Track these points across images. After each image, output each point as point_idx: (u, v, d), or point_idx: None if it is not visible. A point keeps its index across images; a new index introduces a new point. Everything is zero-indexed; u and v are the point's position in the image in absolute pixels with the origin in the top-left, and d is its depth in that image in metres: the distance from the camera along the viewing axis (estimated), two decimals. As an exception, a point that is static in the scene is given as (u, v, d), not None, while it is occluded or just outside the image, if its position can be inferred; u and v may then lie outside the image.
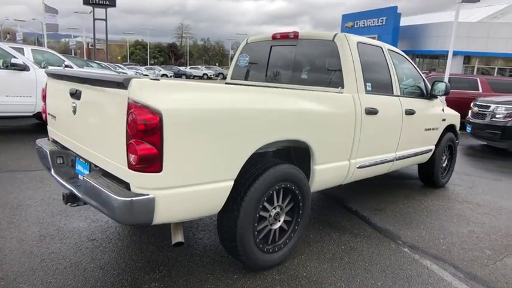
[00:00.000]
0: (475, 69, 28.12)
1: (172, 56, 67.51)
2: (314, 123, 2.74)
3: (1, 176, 4.35)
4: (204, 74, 40.05)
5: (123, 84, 1.88)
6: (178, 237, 2.23)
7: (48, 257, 2.61)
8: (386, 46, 3.85)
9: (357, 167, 3.28)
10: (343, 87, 3.17)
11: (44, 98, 3.03)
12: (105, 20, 35.09)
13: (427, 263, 2.87)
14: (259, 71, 4.00)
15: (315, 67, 3.55)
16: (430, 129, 4.39)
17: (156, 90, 1.91)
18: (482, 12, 29.66)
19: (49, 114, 2.95)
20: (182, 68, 42.64)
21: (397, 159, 3.87)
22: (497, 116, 7.37)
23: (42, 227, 3.07)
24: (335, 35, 3.28)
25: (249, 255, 2.43)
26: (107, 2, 34.97)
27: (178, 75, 36.23)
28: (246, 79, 4.13)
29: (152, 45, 61.13)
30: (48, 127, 3.03)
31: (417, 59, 34.56)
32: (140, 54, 62.13)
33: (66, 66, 9.21)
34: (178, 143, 1.94)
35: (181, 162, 1.98)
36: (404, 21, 32.24)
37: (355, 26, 36.07)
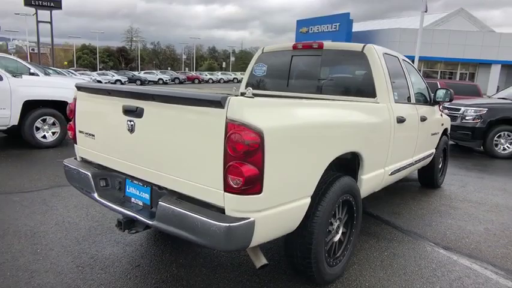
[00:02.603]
0: (421, 72, 30.30)
1: (123, 61, 64.84)
2: (366, 134, 2.79)
3: (-6, 200, 3.90)
4: (159, 78, 38.96)
5: (219, 103, 1.78)
6: (262, 260, 2.15)
7: (99, 290, 2.38)
8: (400, 56, 4.01)
9: (389, 174, 3.38)
10: (375, 97, 3.26)
11: (71, 114, 2.77)
12: (50, 22, 32.86)
13: (467, 263, 3.02)
14: (280, 81, 3.97)
15: (343, 77, 3.61)
16: (434, 134, 4.65)
17: (254, 108, 1.83)
18: (425, 19, 32.02)
19: (81, 132, 2.70)
20: (136, 73, 41.12)
21: (413, 164, 4.05)
22: (467, 118, 7.98)
23: (73, 256, 2.80)
24: (364, 47, 3.37)
25: (321, 270, 2.40)
26: (52, 4, 32.79)
27: (132, 80, 34.91)
28: (263, 89, 4.08)
29: (101, 49, 58.31)
30: (78, 146, 2.78)
31: (368, 63, 36.41)
32: (88, 58, 58.83)
33: (32, 74, 8.50)
34: (275, 161, 1.87)
35: (276, 182, 1.91)
36: (355, 27, 33.86)
37: (310, 32, 37.22)
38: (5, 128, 5.95)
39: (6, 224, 3.30)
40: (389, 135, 3.20)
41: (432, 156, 4.84)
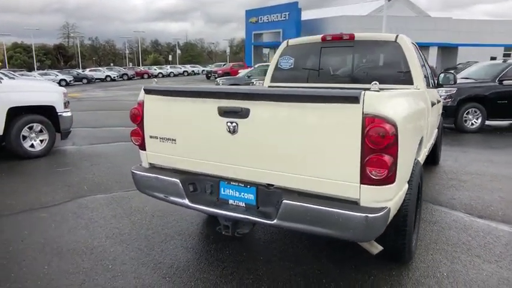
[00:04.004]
0: (368, 57, 31.85)
1: (61, 58, 60.21)
2: (426, 119, 2.99)
3: (21, 218, 3.56)
4: (107, 76, 36.98)
5: (356, 98, 1.83)
6: (378, 246, 2.25)
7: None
8: (415, 44, 4.26)
9: (426, 155, 3.64)
10: (413, 84, 3.46)
11: (137, 119, 2.63)
12: (-24, 19, 29.58)
13: (507, 228, 3.37)
14: (310, 72, 4.04)
15: (378, 66, 3.76)
16: (439, 114, 5.03)
17: (384, 101, 1.90)
18: (369, 6, 33.65)
19: (153, 137, 2.57)
20: (80, 71, 38.57)
21: (432, 143, 4.37)
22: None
23: (151, 268, 2.68)
24: (397, 37, 3.54)
25: (410, 249, 2.57)
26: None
27: (78, 79, 32.75)
28: (292, 81, 4.12)
29: (36, 47, 53.56)
30: (148, 152, 2.65)
31: (317, 50, 37.47)
32: (21, 57, 53.74)
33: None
34: (403, 150, 1.97)
35: (401, 170, 2.01)
36: (302, 16, 34.57)
37: (259, 21, 37.40)
38: (-9, 139, 5.38)
39: (53, 243, 3.05)
40: (428, 118, 3.44)
41: (436, 135, 5.24)
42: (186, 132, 2.43)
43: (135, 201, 4.01)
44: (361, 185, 1.88)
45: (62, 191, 4.34)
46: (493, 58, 29.33)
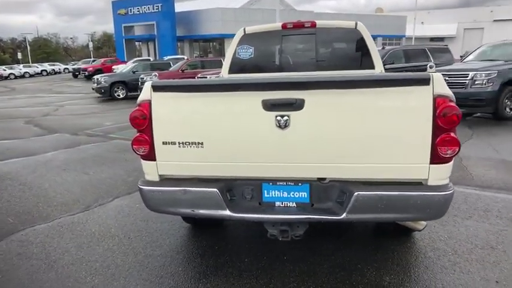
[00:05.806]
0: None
1: None
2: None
3: None
4: None
5: (427, 80, 1.84)
6: (422, 223, 2.34)
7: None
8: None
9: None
10: (374, 69, 3.71)
11: (141, 123, 2.13)
12: None
13: (483, 194, 3.87)
14: (271, 61, 3.93)
15: (340, 53, 3.89)
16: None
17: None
18: (241, -1, 34.75)
19: (169, 143, 2.13)
20: None
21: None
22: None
23: (176, 296, 2.26)
24: (356, 24, 3.73)
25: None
26: None
27: None
28: (253, 71, 3.94)
29: None
30: (160, 162, 2.19)
31: (194, 43, 37.20)
32: None
33: None
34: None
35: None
36: (176, 8, 33.61)
37: (129, 13, 34.98)
38: None
39: (18, 299, 2.28)
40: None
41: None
42: (217, 134, 2.07)
43: (92, 225, 3.31)
44: (431, 165, 1.93)
45: (-22, 230, 3.27)
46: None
